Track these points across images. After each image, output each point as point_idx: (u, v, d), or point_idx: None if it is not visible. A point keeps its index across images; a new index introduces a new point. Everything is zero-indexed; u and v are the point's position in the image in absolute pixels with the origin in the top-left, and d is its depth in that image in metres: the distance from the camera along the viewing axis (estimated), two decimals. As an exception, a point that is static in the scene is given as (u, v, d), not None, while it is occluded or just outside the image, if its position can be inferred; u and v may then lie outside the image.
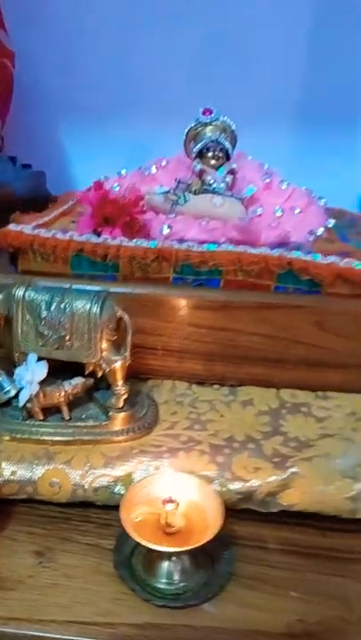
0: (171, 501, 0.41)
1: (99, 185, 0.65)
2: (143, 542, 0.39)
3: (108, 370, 0.51)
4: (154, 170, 0.81)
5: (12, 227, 0.64)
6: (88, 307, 0.49)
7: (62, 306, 0.50)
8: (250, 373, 0.61)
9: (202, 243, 0.67)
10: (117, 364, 0.50)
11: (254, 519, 0.49)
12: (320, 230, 0.75)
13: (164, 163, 0.84)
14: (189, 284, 0.63)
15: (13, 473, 0.47)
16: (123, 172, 0.85)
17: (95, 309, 0.49)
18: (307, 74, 0.97)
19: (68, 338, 0.50)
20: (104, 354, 0.50)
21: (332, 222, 0.80)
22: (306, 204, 0.80)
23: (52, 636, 0.38)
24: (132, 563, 0.43)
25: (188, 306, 0.58)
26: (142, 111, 1.00)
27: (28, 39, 0.92)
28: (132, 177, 0.84)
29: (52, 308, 0.50)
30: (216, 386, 0.62)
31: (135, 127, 1.00)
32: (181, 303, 0.58)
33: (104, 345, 0.50)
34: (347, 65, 0.95)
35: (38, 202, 0.92)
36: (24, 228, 0.63)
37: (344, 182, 1.00)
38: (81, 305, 0.50)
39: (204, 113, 0.76)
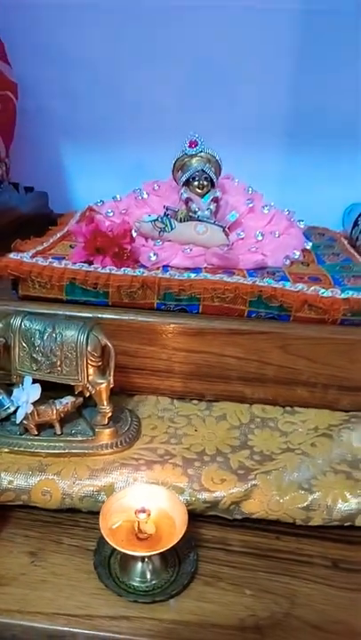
0: (143, 511, 0.48)
1: (90, 219, 0.71)
2: (118, 548, 0.46)
3: (94, 391, 0.57)
4: (145, 195, 0.87)
5: (12, 256, 0.70)
6: (76, 336, 0.56)
7: (54, 335, 0.56)
8: (225, 390, 0.68)
9: (185, 269, 0.73)
10: (102, 387, 0.57)
11: (220, 524, 0.56)
12: (297, 254, 0.81)
13: (156, 187, 0.90)
14: (172, 309, 0.69)
15: (10, 482, 0.55)
16: (118, 196, 0.91)
17: (82, 339, 0.56)
18: (292, 95, 1.02)
19: (58, 364, 0.56)
20: (90, 378, 0.57)
21: (309, 244, 0.87)
22: (286, 227, 0.87)
23: (39, 626, 0.45)
24: (111, 562, 0.51)
25: (167, 331, 0.64)
26: (138, 133, 1.06)
27: (31, 68, 0.98)
28: (127, 201, 0.91)
29: (45, 337, 0.56)
30: (195, 401, 0.68)
31: (131, 148, 1.07)
32: (162, 329, 0.64)
33: (90, 370, 0.57)
34: (332, 86, 1.00)
35: (42, 221, 0.99)
36: (23, 257, 0.70)
37: (330, 199, 1.05)
38: (70, 335, 0.56)
39: (190, 145, 0.82)
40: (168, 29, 0.96)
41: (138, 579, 0.49)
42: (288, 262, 0.78)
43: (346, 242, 0.93)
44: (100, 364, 0.57)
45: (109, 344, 0.57)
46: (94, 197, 1.06)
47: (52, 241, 0.80)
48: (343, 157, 1.05)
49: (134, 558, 0.49)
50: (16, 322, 0.57)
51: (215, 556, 0.53)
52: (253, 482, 0.55)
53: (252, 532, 0.56)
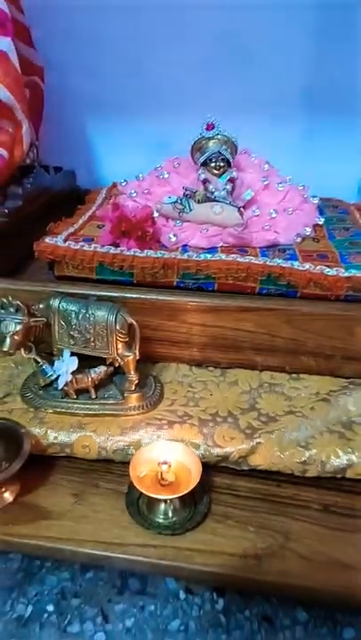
0: (165, 463, 0.59)
1: (116, 206, 0.78)
2: (145, 492, 0.57)
3: (122, 363, 0.67)
4: (166, 175, 0.93)
5: (48, 240, 0.79)
6: (106, 317, 0.66)
7: (87, 316, 0.66)
8: (237, 358, 0.77)
9: (202, 249, 0.81)
10: (129, 359, 0.67)
11: (229, 473, 0.66)
12: (308, 230, 0.87)
13: (176, 164, 0.97)
14: (190, 287, 0.78)
15: (55, 438, 0.66)
16: (140, 175, 0.98)
17: (112, 319, 0.65)
18: (310, 69, 1.04)
19: (92, 340, 0.66)
20: (119, 351, 0.67)
21: (322, 220, 0.92)
22: (299, 204, 0.93)
23: (84, 550, 0.57)
24: (139, 503, 0.62)
25: (186, 309, 0.73)
26: (160, 109, 1.10)
27: (56, 48, 1.03)
28: (149, 179, 0.97)
29: (80, 317, 0.66)
30: (211, 368, 0.78)
31: (154, 123, 1.11)
32: (181, 307, 0.73)
33: (119, 345, 0.66)
34: (350, 59, 1.02)
35: (71, 198, 1.07)
36: (57, 241, 0.79)
37: (346, 170, 1.09)
38: (101, 315, 0.66)
39: (207, 128, 0.88)
40: (188, 5, 0.98)
41: (161, 516, 0.61)
42: (299, 239, 0.85)
43: (358, 214, 0.98)
44: (127, 339, 0.66)
45: (134, 323, 0.66)
46: (119, 173, 1.13)
47: (81, 222, 0.89)
48: (358, 129, 1.07)
49: (158, 500, 0.60)
50: (55, 303, 0.67)
51: (225, 499, 0.63)
52: (258, 440, 0.64)
53: (256, 480, 0.66)
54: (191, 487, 0.57)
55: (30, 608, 0.61)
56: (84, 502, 0.62)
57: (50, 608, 0.61)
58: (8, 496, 0.62)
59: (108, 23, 1.01)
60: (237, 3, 0.99)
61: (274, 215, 0.88)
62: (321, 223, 0.92)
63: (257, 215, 0.89)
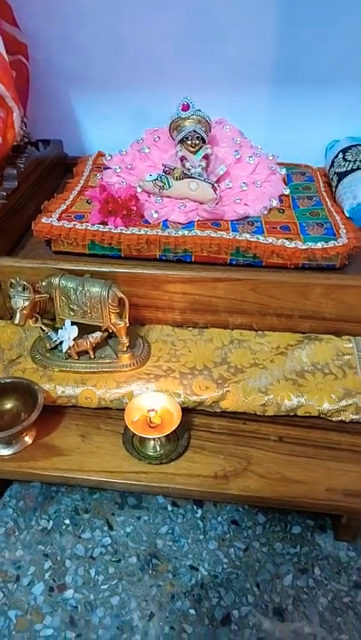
0: (152, 410, 0.75)
1: (103, 188, 0.89)
2: (138, 433, 0.73)
3: (115, 330, 0.81)
4: (147, 150, 1.03)
5: (44, 220, 0.90)
6: (100, 292, 0.78)
7: (84, 292, 0.79)
8: (212, 319, 0.91)
9: (181, 223, 0.93)
10: (121, 326, 0.81)
11: (205, 414, 0.82)
12: (274, 202, 0.99)
13: (156, 138, 1.06)
14: (170, 259, 0.90)
15: (63, 392, 0.81)
16: (123, 150, 1.07)
17: (104, 294, 0.78)
18: (280, 39, 1.10)
19: (88, 312, 0.80)
20: (112, 321, 0.80)
21: (287, 190, 1.04)
22: (267, 176, 1.03)
23: (91, 478, 0.73)
24: (133, 441, 0.78)
25: (167, 280, 0.86)
26: (139, 80, 1.17)
27: (37, 23, 1.07)
28: (131, 153, 1.07)
29: (78, 293, 0.79)
30: (190, 328, 0.92)
31: (133, 94, 1.18)
32: (163, 279, 0.86)
33: (112, 316, 0.80)
34: (317, 30, 1.08)
35: (60, 165, 1.15)
36: (52, 221, 0.90)
37: (315, 136, 1.18)
38: (95, 291, 0.79)
39: (183, 109, 0.97)
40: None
41: (151, 450, 0.77)
42: (266, 212, 0.96)
43: (322, 181, 1.09)
44: (118, 310, 0.80)
45: (124, 297, 0.79)
46: (102, 140, 1.22)
47: (72, 198, 0.99)
48: (328, 96, 1.15)
49: (148, 439, 0.76)
50: (55, 281, 0.80)
51: (201, 435, 0.80)
52: (227, 389, 0.80)
53: (226, 420, 0.82)
54: (173, 428, 0.73)
55: (51, 522, 0.79)
56: (90, 441, 0.78)
57: (66, 521, 0.79)
58: (28, 439, 0.77)
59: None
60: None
61: (245, 188, 0.99)
62: (287, 193, 1.03)
63: (230, 187, 1.00)
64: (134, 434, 0.77)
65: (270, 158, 1.07)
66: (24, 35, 1.03)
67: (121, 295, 0.79)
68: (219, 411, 0.82)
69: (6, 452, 0.75)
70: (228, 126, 1.07)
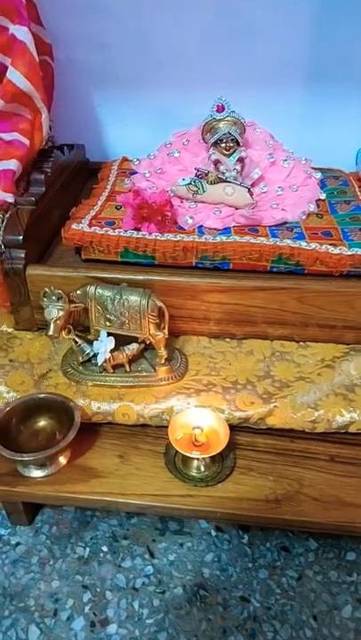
0: (198, 427, 0.70)
1: (137, 193, 0.84)
2: (184, 453, 0.68)
3: (153, 341, 0.76)
4: (177, 154, 0.98)
5: (74, 226, 0.85)
6: (139, 301, 0.74)
7: (122, 301, 0.74)
8: (251, 330, 0.86)
9: (217, 229, 0.88)
10: (160, 337, 0.76)
11: (250, 432, 0.77)
12: (311, 207, 0.95)
13: (185, 141, 1.01)
14: (207, 267, 0.85)
15: (99, 408, 0.76)
16: (152, 154, 1.03)
17: (144, 303, 0.74)
18: (312, 39, 1.07)
19: (126, 322, 0.75)
20: (150, 332, 0.75)
21: (323, 195, 0.99)
22: (303, 180, 0.99)
23: (134, 502, 0.68)
24: (175, 461, 0.73)
25: (205, 289, 0.81)
26: (164, 80, 1.12)
27: (59, 21, 1.03)
28: (160, 157, 1.02)
29: (115, 302, 0.74)
30: (228, 339, 0.87)
31: (159, 95, 1.14)
32: (201, 287, 0.81)
33: (150, 326, 0.75)
34: (351, 29, 1.04)
35: (82, 172, 1.11)
36: (83, 227, 0.85)
37: (346, 139, 1.14)
38: (134, 300, 0.74)
39: (217, 110, 0.92)
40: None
41: (195, 471, 0.72)
42: (304, 217, 0.92)
43: (357, 185, 1.05)
44: (157, 321, 0.75)
45: (163, 306, 0.75)
46: (126, 144, 1.17)
47: (100, 204, 0.94)
48: (358, 99, 1.12)
49: (193, 458, 0.71)
50: (91, 290, 0.75)
51: (247, 454, 0.75)
52: (275, 404, 0.75)
53: (273, 437, 0.77)
54: (221, 448, 0.68)
55: (88, 550, 0.73)
56: (129, 462, 0.73)
57: (104, 548, 0.74)
58: (62, 460, 0.72)
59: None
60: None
61: (280, 192, 0.95)
62: (323, 198, 0.99)
63: (265, 192, 0.95)
64: (177, 452, 0.72)
65: (304, 162, 1.02)
66: (48, 34, 0.99)
67: (161, 304, 0.74)
68: (264, 428, 0.77)
69: (40, 473, 0.70)
70: (259, 129, 1.03)
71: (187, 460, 0.72)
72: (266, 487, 0.70)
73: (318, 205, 0.96)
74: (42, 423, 0.74)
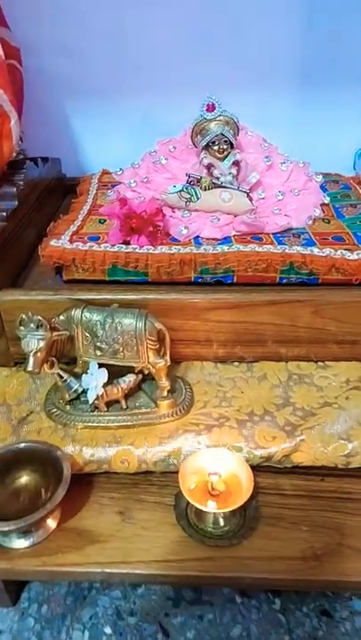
0: (215, 474, 0.57)
1: (123, 201, 0.74)
2: (200, 507, 0.55)
3: (154, 371, 0.64)
4: (164, 161, 0.88)
5: (53, 243, 0.74)
6: (134, 324, 0.62)
7: (114, 325, 0.62)
8: (262, 352, 0.75)
9: (216, 239, 0.78)
10: (161, 365, 0.64)
11: (272, 471, 0.65)
12: (317, 212, 0.85)
13: (172, 148, 0.91)
14: (208, 281, 0.74)
15: (92, 455, 0.63)
16: (136, 163, 0.93)
17: (140, 326, 0.62)
18: (303, 41, 0.99)
19: (121, 350, 0.63)
20: (150, 359, 0.63)
21: (327, 199, 0.90)
22: (304, 183, 0.90)
23: (140, 572, 0.55)
24: (188, 514, 0.60)
25: (209, 307, 0.70)
26: (144, 86, 1.04)
27: (28, 26, 0.94)
28: (145, 165, 0.92)
29: (107, 327, 0.62)
30: (236, 363, 0.76)
31: (138, 102, 1.05)
32: (204, 305, 0.70)
33: (149, 353, 0.63)
34: (343, 30, 0.97)
35: (59, 187, 1.00)
36: (63, 243, 0.74)
37: (340, 142, 1.07)
38: (128, 323, 0.62)
39: (208, 109, 0.83)
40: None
41: (212, 526, 0.59)
42: (310, 222, 0.82)
43: (360, 188, 0.96)
44: (157, 346, 0.63)
45: (163, 328, 0.63)
46: (105, 158, 1.07)
47: (81, 219, 0.83)
48: (353, 101, 1.04)
49: (211, 513, 0.58)
50: (77, 314, 0.63)
51: (272, 500, 0.63)
52: (301, 437, 0.63)
53: (299, 477, 0.65)
54: (245, 498, 0.56)
55: (87, 633, 0.59)
56: (132, 520, 0.60)
57: (107, 630, 0.60)
58: (51, 524, 0.59)
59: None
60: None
61: (280, 197, 0.85)
62: (327, 202, 0.90)
63: (263, 198, 0.86)
64: (188, 504, 0.59)
65: (302, 166, 0.93)
66: (15, 38, 0.89)
67: (160, 326, 0.62)
68: (289, 466, 0.65)
69: (24, 543, 0.57)
70: (251, 133, 0.94)
71: (202, 513, 0.59)
72: (300, 540, 0.58)
73: (323, 210, 0.87)
74: (23, 479, 0.60)
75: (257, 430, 0.65)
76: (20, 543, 0.57)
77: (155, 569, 0.56)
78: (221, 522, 0.59)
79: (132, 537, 0.58)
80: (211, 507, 0.56)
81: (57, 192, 1.01)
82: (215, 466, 0.58)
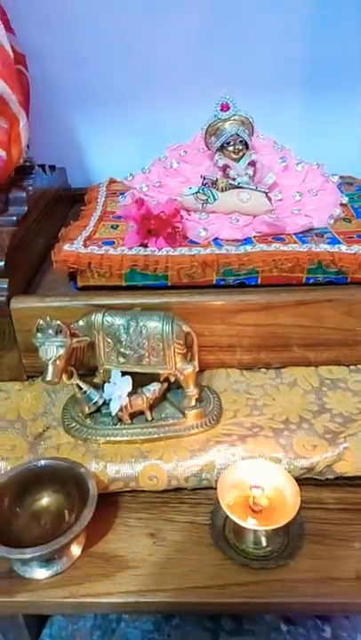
0: (257, 487, 0.52)
1: (141, 202, 0.70)
2: (241, 523, 0.50)
3: (181, 377, 0.59)
4: (176, 165, 0.85)
5: (67, 248, 0.70)
6: (160, 327, 0.57)
7: (138, 328, 0.58)
8: (291, 357, 0.70)
9: (237, 240, 0.74)
10: (189, 371, 0.59)
11: (312, 484, 0.60)
12: (337, 211, 0.82)
13: (183, 152, 0.88)
14: (231, 284, 0.70)
15: (117, 472, 0.58)
16: (146, 168, 0.90)
17: (167, 329, 0.57)
18: (309, 42, 0.98)
19: (146, 355, 0.58)
20: (177, 365, 0.59)
21: (345, 199, 0.87)
22: (321, 184, 0.87)
23: (177, 600, 0.49)
24: (226, 533, 0.55)
25: (234, 310, 0.66)
26: (151, 93, 1.01)
27: (34, 34, 0.92)
28: (156, 171, 0.89)
29: (130, 331, 0.58)
30: (263, 369, 0.71)
31: (146, 110, 1.02)
32: (230, 307, 0.66)
33: (177, 358, 0.58)
34: (349, 31, 0.96)
35: (65, 198, 0.97)
36: (78, 248, 0.70)
37: (348, 145, 1.04)
38: (153, 326, 0.58)
39: (222, 109, 0.80)
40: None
41: (253, 546, 0.54)
42: (332, 221, 0.79)
43: (376, 190, 0.93)
44: (184, 350, 0.59)
45: (191, 331, 0.58)
46: (110, 168, 1.04)
47: (92, 224, 0.79)
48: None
49: (252, 530, 0.53)
50: (98, 319, 0.58)
51: (315, 515, 0.57)
52: (344, 445, 0.58)
53: (342, 489, 0.60)
54: (292, 514, 0.50)
55: (119, 673, 0.53)
56: (164, 542, 0.55)
57: (141, 669, 0.53)
58: (76, 550, 0.53)
59: (88, 4, 0.91)
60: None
61: (298, 198, 0.82)
62: (345, 202, 0.87)
63: (280, 200, 0.82)
64: (225, 522, 0.54)
65: (316, 167, 0.90)
66: (20, 44, 0.87)
67: (188, 329, 0.58)
68: (331, 477, 0.60)
69: (46, 573, 0.51)
70: (262, 136, 0.91)
71: (241, 532, 0.54)
72: (353, 559, 0.52)
73: (343, 210, 0.84)
74: (44, 501, 0.55)
75: (295, 439, 0.60)
76: (43, 573, 0.51)
77: (194, 596, 0.50)
78: (264, 541, 0.53)
79: (166, 561, 0.53)
80: (252, 523, 0.51)
81: (64, 202, 0.97)
82: (257, 479, 0.53)
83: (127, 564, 0.52)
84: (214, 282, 0.70)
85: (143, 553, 0.53)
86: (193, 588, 0.50)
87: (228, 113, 0.80)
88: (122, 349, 0.58)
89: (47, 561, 0.51)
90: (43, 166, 0.85)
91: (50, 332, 0.55)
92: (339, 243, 0.72)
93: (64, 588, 0.50)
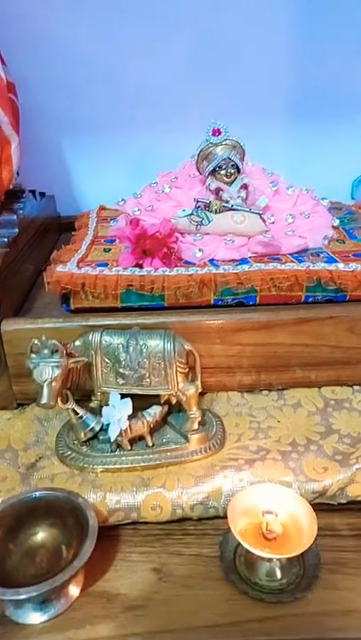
0: (270, 512, 0.48)
1: (135, 222, 0.69)
2: (255, 552, 0.46)
3: (184, 399, 0.57)
4: (168, 189, 0.85)
5: (60, 269, 0.67)
6: (162, 345, 0.55)
7: (138, 347, 0.55)
8: (292, 377, 0.68)
9: (234, 260, 0.73)
10: (192, 392, 0.57)
11: (324, 510, 0.57)
12: (330, 232, 0.82)
13: (173, 178, 0.88)
14: (229, 303, 0.69)
15: (118, 502, 0.54)
16: (138, 193, 0.89)
17: (169, 347, 0.55)
18: (295, 70, 1.01)
19: (147, 375, 0.55)
20: (179, 385, 0.56)
21: (337, 221, 0.87)
22: (313, 207, 0.87)
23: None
24: (237, 565, 0.51)
25: (234, 329, 0.64)
26: (140, 122, 1.02)
27: (23, 63, 0.92)
28: (147, 196, 0.88)
29: (130, 350, 0.55)
30: (265, 392, 0.69)
31: (135, 138, 1.03)
32: (231, 326, 0.64)
33: (179, 378, 0.56)
34: (334, 59, 0.99)
35: (54, 226, 0.95)
36: (72, 269, 0.67)
37: (335, 171, 1.06)
38: (154, 344, 0.55)
39: (213, 133, 0.80)
40: (166, 7, 0.92)
41: (266, 578, 0.50)
42: (326, 242, 0.79)
43: (364, 213, 0.94)
44: (187, 370, 0.56)
45: (193, 350, 0.56)
46: (99, 196, 1.03)
47: (84, 248, 0.78)
48: (346, 130, 1.05)
49: (262, 559, 0.49)
50: (95, 338, 0.56)
51: (329, 543, 0.54)
52: (357, 466, 0.56)
53: (354, 514, 0.57)
54: (310, 541, 0.47)
55: None
56: (170, 578, 0.50)
57: None
58: (74, 589, 0.48)
59: (75, 29, 0.93)
60: (217, 4, 0.93)
61: (291, 220, 0.81)
62: (337, 224, 0.87)
63: (273, 222, 0.82)
64: (235, 553, 0.50)
65: (305, 192, 0.91)
66: (10, 72, 0.87)
67: (190, 347, 0.55)
68: (344, 502, 0.57)
69: (42, 617, 0.46)
70: (251, 162, 0.92)
71: (253, 563, 0.50)
72: (374, 588, 0.48)
73: (335, 232, 0.84)
74: (39, 536, 0.50)
75: (305, 461, 0.57)
76: (38, 617, 0.46)
77: (206, 636, 0.45)
78: (278, 573, 0.49)
79: (174, 599, 0.48)
80: (265, 553, 0.47)
81: (52, 230, 0.96)
82: (269, 504, 0.49)
83: (131, 604, 0.48)
84: (212, 302, 0.68)
85: (148, 590, 0.49)
86: (204, 627, 0.46)
87: (219, 137, 0.80)
88: (121, 369, 0.55)
89: (43, 602, 0.46)
90: (33, 192, 0.84)
91: (45, 351, 0.52)
92: (336, 261, 0.71)
93: (62, 633, 0.45)
